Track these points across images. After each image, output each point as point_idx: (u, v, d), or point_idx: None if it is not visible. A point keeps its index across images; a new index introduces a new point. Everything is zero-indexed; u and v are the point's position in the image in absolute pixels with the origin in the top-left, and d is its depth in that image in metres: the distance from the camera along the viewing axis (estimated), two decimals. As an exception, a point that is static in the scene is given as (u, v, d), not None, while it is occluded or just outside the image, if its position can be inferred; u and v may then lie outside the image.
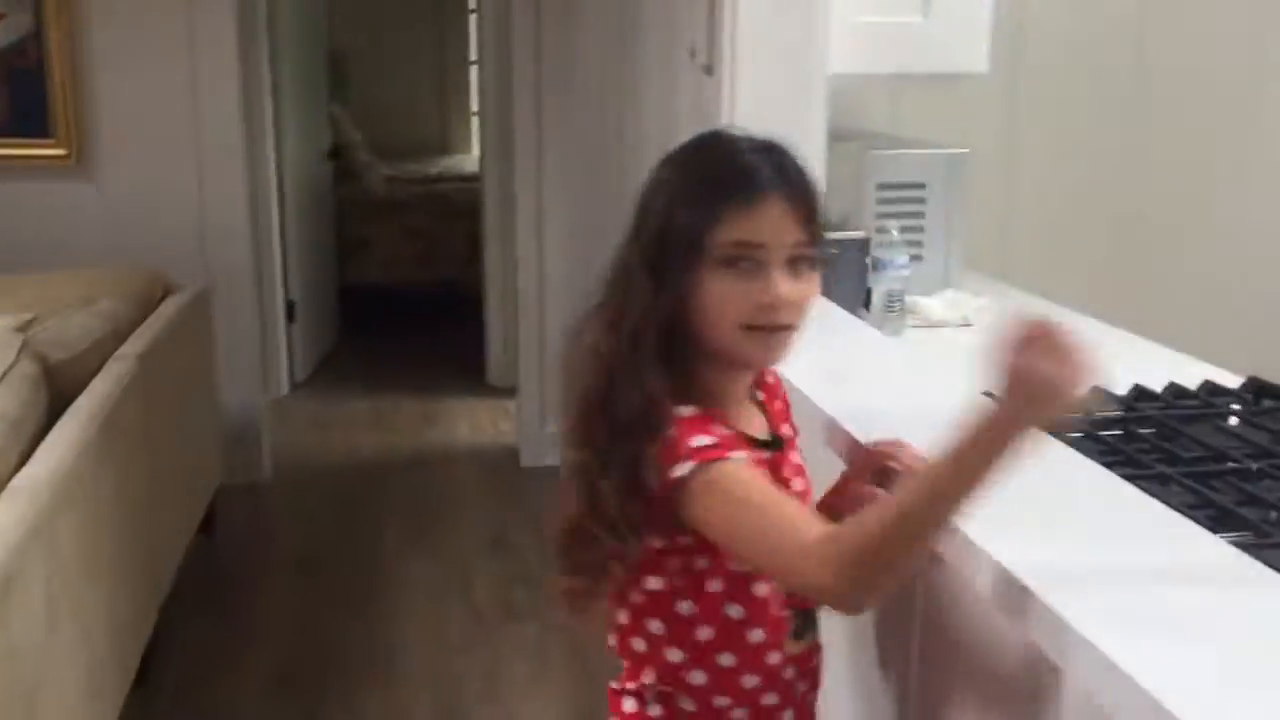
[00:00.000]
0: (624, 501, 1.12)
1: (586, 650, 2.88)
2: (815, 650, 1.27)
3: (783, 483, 1.20)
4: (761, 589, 1.18)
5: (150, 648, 2.57)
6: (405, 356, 5.35)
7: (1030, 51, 2.73)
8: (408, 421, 4.64)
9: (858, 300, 2.08)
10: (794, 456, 1.26)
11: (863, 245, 2.11)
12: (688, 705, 1.20)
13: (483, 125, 5.57)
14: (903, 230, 2.18)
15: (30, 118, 3.56)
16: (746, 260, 1.13)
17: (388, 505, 3.84)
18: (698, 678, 1.19)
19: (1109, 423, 1.54)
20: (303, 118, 5.02)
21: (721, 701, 1.20)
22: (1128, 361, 1.90)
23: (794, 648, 1.22)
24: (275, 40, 4.58)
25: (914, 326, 2.14)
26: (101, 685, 2.15)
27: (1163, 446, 1.46)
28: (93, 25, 3.56)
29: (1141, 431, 1.53)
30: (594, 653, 2.88)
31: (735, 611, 1.18)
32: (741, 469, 1.10)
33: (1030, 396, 0.95)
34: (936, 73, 2.08)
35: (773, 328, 1.15)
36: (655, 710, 1.22)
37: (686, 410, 1.12)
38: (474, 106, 8.24)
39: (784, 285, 1.14)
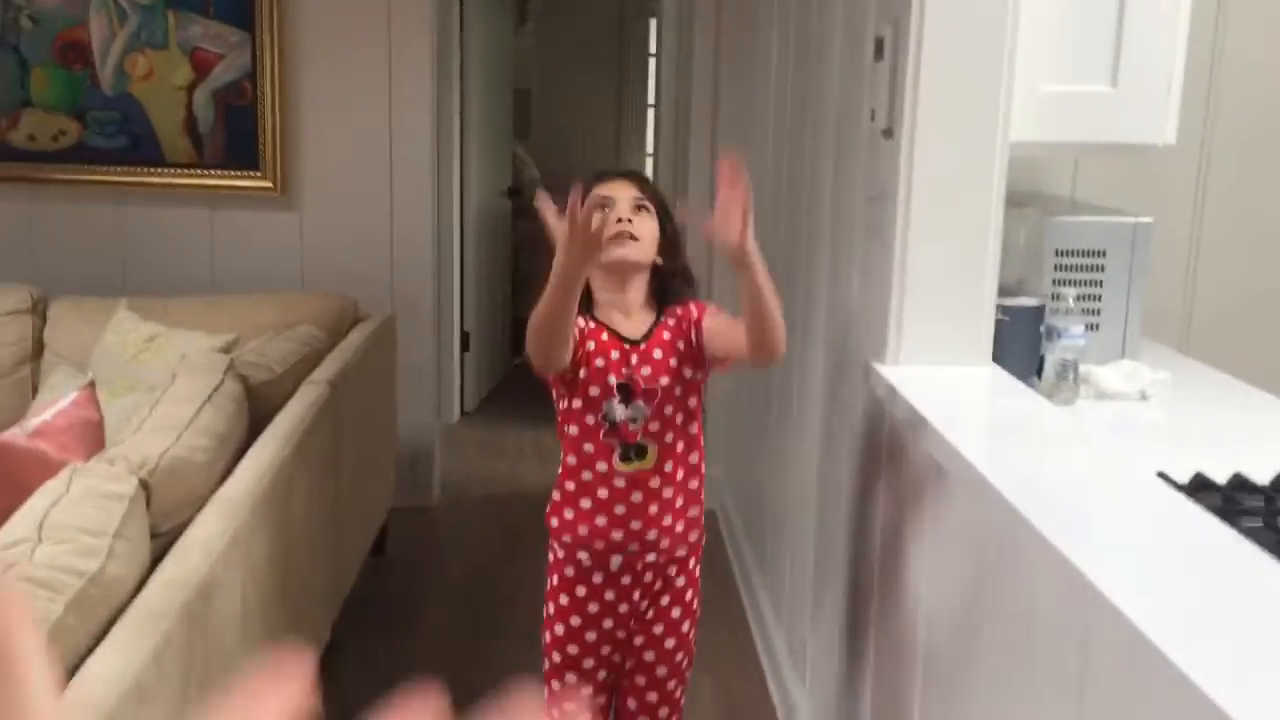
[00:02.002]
0: None
1: (734, 700, 2.91)
2: (646, 476, 1.94)
3: (630, 365, 1.94)
4: (590, 419, 1.94)
5: (322, 662, 2.71)
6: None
7: (1219, 121, 2.68)
8: (570, 454, 4.74)
9: (1030, 368, 2.08)
10: (654, 353, 1.95)
11: (1037, 313, 2.10)
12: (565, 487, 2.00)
13: (656, 167, 5.69)
14: (1079, 299, 2.17)
15: (242, 151, 3.83)
16: (605, 204, 1.93)
17: (548, 536, 3.94)
18: (565, 463, 2.00)
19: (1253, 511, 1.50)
20: (487, 155, 5.23)
21: (570, 486, 1.98)
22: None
23: (622, 466, 1.93)
24: (466, 80, 4.80)
25: (1087, 398, 2.12)
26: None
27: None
28: (302, 67, 3.81)
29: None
30: (742, 702, 2.90)
31: (572, 430, 1.96)
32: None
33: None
34: (1121, 143, 2.06)
35: (621, 234, 1.92)
36: (555, 494, 2.03)
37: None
38: (649, 148, 8.43)
39: (625, 209, 1.95)
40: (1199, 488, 1.62)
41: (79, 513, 1.70)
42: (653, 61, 8.05)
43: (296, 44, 3.80)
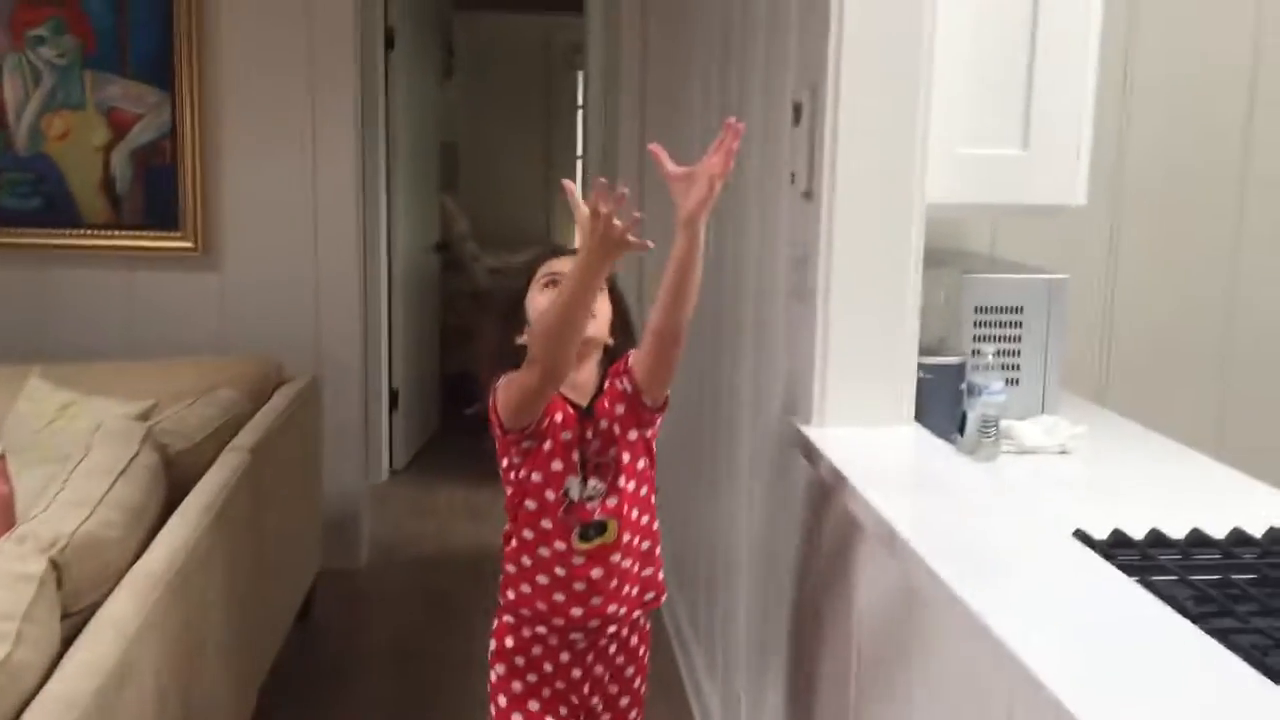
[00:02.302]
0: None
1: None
2: (607, 551, 1.88)
3: (584, 440, 1.87)
4: (550, 495, 1.86)
5: (247, 733, 2.64)
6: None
7: (1129, 179, 2.75)
8: (502, 513, 4.69)
9: (952, 425, 2.09)
10: (601, 422, 1.88)
11: (958, 370, 2.12)
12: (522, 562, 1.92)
13: (586, 221, 5.70)
14: (999, 354, 2.20)
15: (162, 211, 3.77)
16: (555, 281, 1.88)
17: (480, 596, 3.88)
18: (520, 537, 1.92)
19: (1204, 568, 1.52)
20: (414, 209, 5.21)
21: (526, 561, 1.90)
22: (1230, 501, 1.89)
23: (581, 544, 1.86)
24: (392, 133, 4.79)
25: (1009, 452, 2.15)
26: (201, 771, 2.22)
27: (1257, 596, 1.45)
28: (223, 125, 3.77)
29: (1236, 579, 1.51)
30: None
31: (530, 505, 1.88)
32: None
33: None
34: (1034, 204, 2.11)
35: None
36: (510, 567, 1.95)
37: None
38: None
39: None
40: (1117, 544, 1.63)
41: (-15, 597, 1.64)
42: (580, 113, 8.11)
43: (217, 101, 3.76)
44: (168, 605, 2.00)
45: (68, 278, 3.79)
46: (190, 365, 3.31)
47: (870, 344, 1.98)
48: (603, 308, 1.91)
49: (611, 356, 1.95)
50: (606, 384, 1.92)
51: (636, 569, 1.94)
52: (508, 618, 1.97)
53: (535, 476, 1.87)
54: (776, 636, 2.28)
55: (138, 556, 2.08)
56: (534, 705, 1.94)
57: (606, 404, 1.91)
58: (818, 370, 1.99)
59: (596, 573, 1.88)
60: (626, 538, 1.91)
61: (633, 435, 1.92)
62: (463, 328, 6.24)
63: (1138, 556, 1.58)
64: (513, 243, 7.91)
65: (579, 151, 8.15)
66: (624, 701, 2.00)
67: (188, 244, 3.79)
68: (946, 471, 1.83)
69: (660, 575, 2.00)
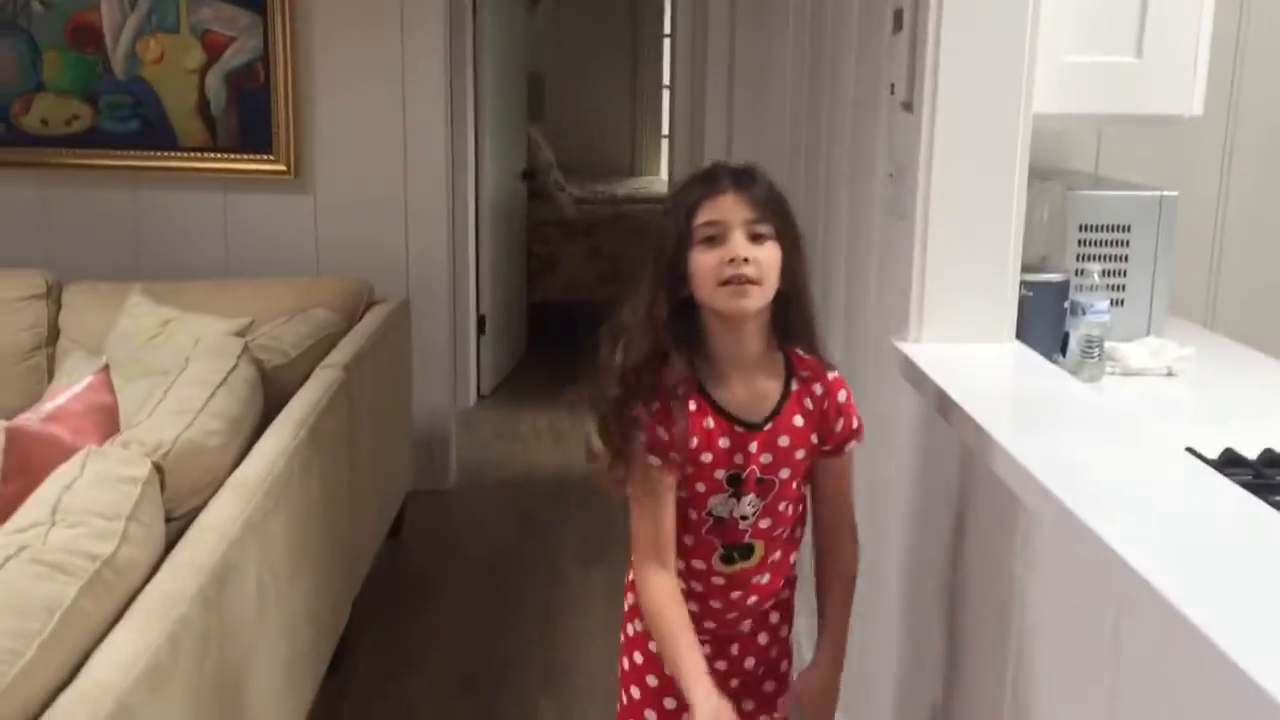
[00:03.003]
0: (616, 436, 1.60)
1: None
2: (748, 574, 1.68)
3: (746, 453, 1.61)
4: (692, 514, 1.64)
5: (342, 642, 2.70)
6: (586, 373, 5.45)
7: (1245, 93, 2.63)
8: (584, 437, 4.73)
9: (1054, 345, 2.04)
10: (780, 439, 1.63)
11: (1061, 288, 2.06)
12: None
13: (672, 148, 5.65)
14: (1104, 274, 2.13)
15: (255, 134, 3.80)
16: (715, 234, 1.55)
17: (565, 519, 3.93)
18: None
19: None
20: (501, 139, 5.20)
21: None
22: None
23: (724, 567, 1.66)
24: (479, 63, 4.77)
25: (1113, 374, 2.09)
26: (300, 673, 2.28)
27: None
28: (314, 50, 3.78)
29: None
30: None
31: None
32: (648, 472, 1.59)
33: None
34: (1147, 114, 2.02)
35: (738, 280, 1.54)
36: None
37: (655, 405, 1.58)
38: (664, 130, 8.39)
39: (741, 245, 1.54)
40: (1229, 463, 1.59)
41: (92, 496, 1.69)
42: (667, 42, 8.01)
43: (308, 26, 3.77)
44: (267, 511, 2.04)
45: (164, 199, 3.85)
46: (284, 284, 3.36)
47: (971, 260, 1.92)
48: (768, 260, 1.56)
49: (783, 300, 1.61)
50: (802, 394, 1.64)
51: (775, 583, 1.73)
52: (638, 620, 1.75)
53: (698, 486, 1.63)
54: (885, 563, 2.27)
55: (236, 465, 2.13)
56: (670, 703, 1.71)
57: (798, 422, 1.64)
58: (915, 287, 1.94)
59: (735, 594, 1.69)
60: (775, 556, 1.70)
61: (800, 455, 1.65)
62: (549, 256, 6.26)
63: (1251, 475, 1.53)
64: (598, 173, 7.89)
65: (665, 81, 8.06)
66: (768, 686, 1.80)
67: (281, 167, 3.82)
68: (1054, 390, 1.78)
69: (795, 569, 1.78)
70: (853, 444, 1.69)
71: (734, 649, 1.75)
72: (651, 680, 1.73)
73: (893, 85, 2.07)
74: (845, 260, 2.48)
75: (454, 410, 4.28)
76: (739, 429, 1.61)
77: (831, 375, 1.67)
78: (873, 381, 2.20)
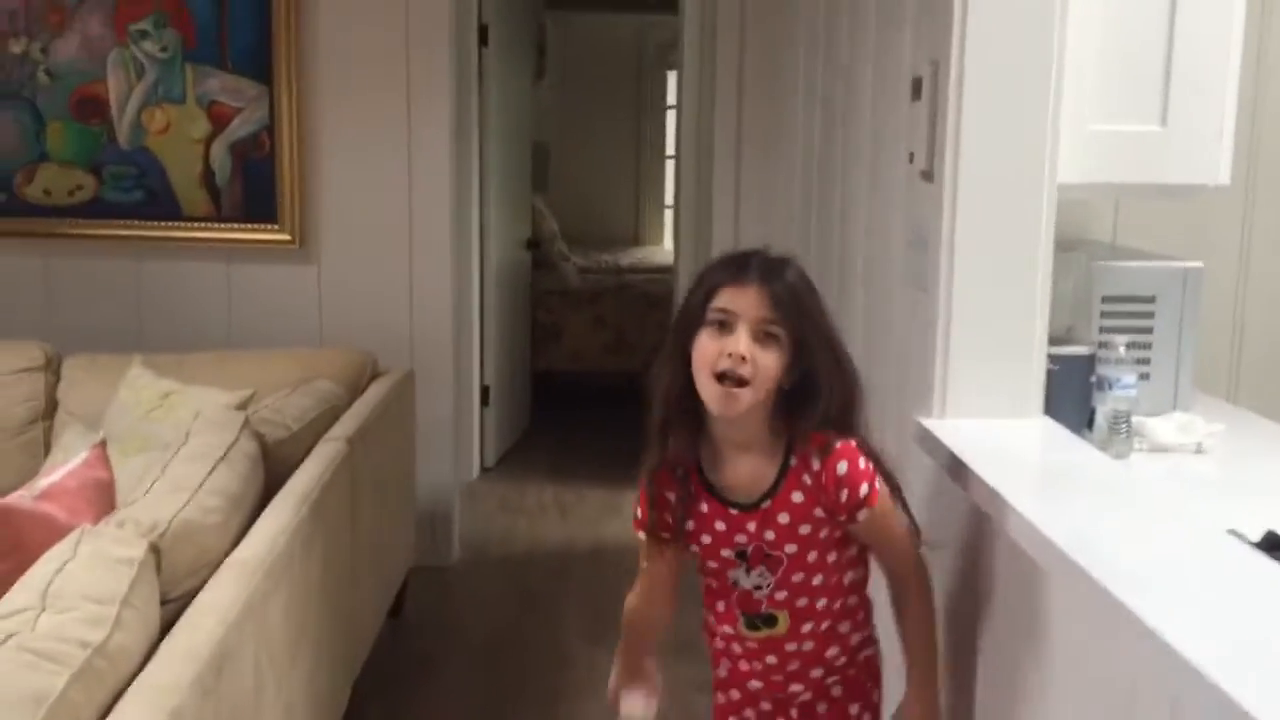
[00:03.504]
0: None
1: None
2: (779, 642, 1.70)
3: (746, 533, 1.64)
4: (713, 582, 1.72)
5: (342, 727, 2.60)
6: (591, 444, 5.38)
7: (1263, 162, 2.60)
8: (591, 511, 4.65)
9: (1081, 419, 1.98)
10: (780, 517, 1.63)
11: (1088, 362, 2.01)
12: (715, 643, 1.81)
13: (677, 218, 5.62)
14: (1130, 346, 2.08)
15: (260, 204, 3.78)
16: (725, 321, 1.57)
17: (570, 595, 3.84)
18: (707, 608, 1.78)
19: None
20: (506, 208, 5.18)
21: (717, 641, 1.79)
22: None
23: (750, 633, 1.70)
24: (485, 133, 4.77)
25: (1140, 450, 2.02)
26: (297, 763, 2.19)
27: None
28: (321, 120, 3.77)
29: None
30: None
31: (710, 582, 1.73)
32: (644, 542, 1.72)
33: None
34: (1173, 184, 1.98)
35: (732, 378, 1.55)
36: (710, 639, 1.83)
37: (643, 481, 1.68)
38: (668, 200, 8.40)
39: (745, 343, 1.55)
40: (1273, 546, 1.52)
41: (86, 579, 1.61)
42: (671, 114, 8.04)
43: (315, 96, 3.76)
44: (267, 593, 1.97)
45: (167, 269, 3.81)
46: (287, 356, 3.30)
47: (997, 334, 1.87)
48: (766, 363, 1.56)
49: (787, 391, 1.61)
50: (800, 470, 1.62)
51: (819, 651, 1.72)
52: (719, 695, 1.85)
53: (710, 563, 1.71)
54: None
55: (236, 544, 2.05)
56: None
57: (797, 499, 1.64)
58: (939, 360, 1.89)
59: (771, 659, 1.73)
60: (807, 627, 1.69)
61: (824, 533, 1.65)
62: (553, 325, 6.23)
63: (1299, 558, 1.46)
64: (601, 242, 7.88)
65: (670, 151, 8.08)
66: None
67: (285, 237, 3.79)
68: (1087, 467, 1.72)
69: (858, 637, 1.75)
70: (865, 511, 1.63)
71: (794, 713, 1.77)
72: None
73: (911, 154, 2.03)
74: (862, 333, 2.43)
75: (457, 483, 4.20)
76: (733, 511, 1.65)
77: (837, 445, 1.62)
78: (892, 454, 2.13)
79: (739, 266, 1.60)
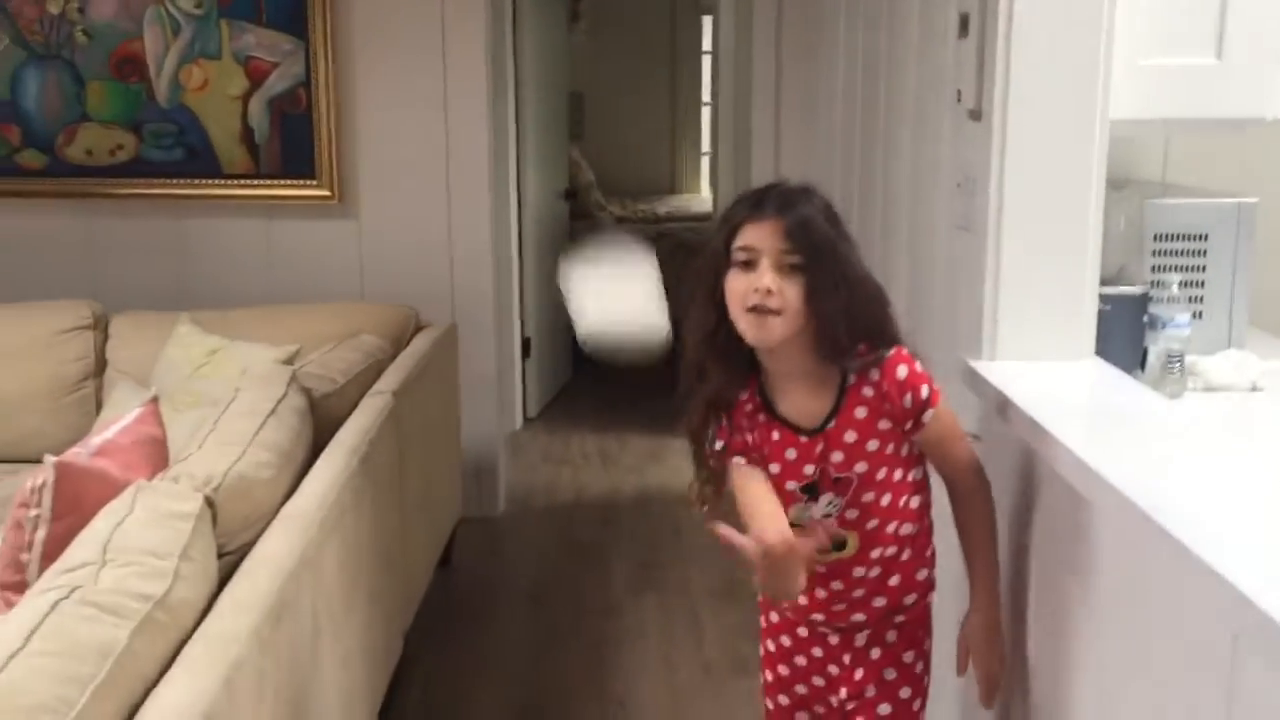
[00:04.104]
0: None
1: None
2: (847, 566, 1.70)
3: (814, 458, 1.66)
4: (774, 468, 1.69)
5: (394, 676, 2.64)
6: (633, 394, 5.40)
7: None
8: (634, 459, 4.67)
9: (1133, 360, 1.95)
10: (846, 435, 1.65)
11: (1140, 301, 1.98)
12: None
13: (714, 166, 5.58)
14: (1182, 285, 2.04)
15: (299, 160, 3.78)
16: (749, 259, 1.59)
17: (615, 544, 3.86)
18: None
19: None
20: (543, 159, 5.16)
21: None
22: None
23: (818, 557, 1.67)
24: (520, 82, 4.74)
25: (1194, 390, 2.00)
26: (355, 709, 2.22)
27: None
28: (356, 74, 3.76)
29: None
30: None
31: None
32: (739, 470, 1.71)
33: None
34: (1227, 118, 1.93)
35: (761, 310, 1.58)
36: None
37: (728, 420, 1.71)
38: (704, 147, 8.33)
39: (769, 277, 1.58)
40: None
41: (144, 534, 1.64)
42: (707, 59, 7.96)
43: (350, 50, 3.74)
44: (320, 544, 1.99)
45: (209, 226, 3.83)
46: (331, 311, 3.32)
47: (1047, 274, 1.85)
48: (793, 294, 1.58)
49: (824, 323, 1.61)
50: (861, 386, 1.64)
51: (884, 578, 1.72)
52: (768, 642, 1.86)
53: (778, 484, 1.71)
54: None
55: (287, 497, 2.08)
56: (784, 699, 1.84)
57: (860, 414, 1.65)
58: (987, 302, 1.86)
59: (837, 585, 1.72)
60: (876, 552, 1.70)
61: (891, 449, 1.66)
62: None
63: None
64: (638, 191, 7.84)
65: (705, 98, 8.01)
66: (883, 709, 1.76)
67: (324, 192, 3.79)
68: (1140, 408, 1.70)
69: (922, 575, 1.76)
70: (930, 412, 1.65)
71: (847, 659, 1.77)
72: (768, 675, 1.85)
73: (959, 92, 1.99)
74: (909, 276, 2.41)
75: (502, 435, 4.22)
76: (803, 438, 1.67)
77: (889, 354, 1.64)
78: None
79: (757, 202, 1.62)
